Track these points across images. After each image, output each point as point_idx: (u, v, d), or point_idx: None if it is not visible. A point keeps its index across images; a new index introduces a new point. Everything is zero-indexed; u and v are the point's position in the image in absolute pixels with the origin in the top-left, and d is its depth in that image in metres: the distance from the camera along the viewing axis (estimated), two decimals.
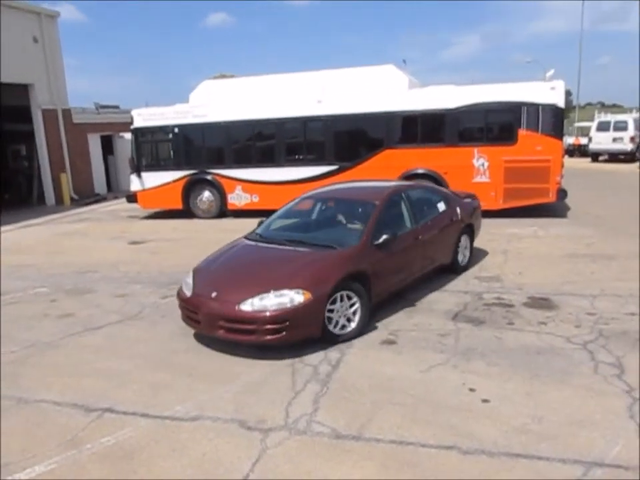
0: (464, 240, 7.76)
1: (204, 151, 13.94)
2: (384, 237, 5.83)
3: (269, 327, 4.89)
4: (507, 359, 4.83)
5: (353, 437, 3.75)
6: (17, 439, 3.97)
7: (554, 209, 12.24)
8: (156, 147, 14.57)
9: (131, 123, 14.29)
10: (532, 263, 8.09)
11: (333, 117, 12.46)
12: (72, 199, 18.98)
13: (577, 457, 3.39)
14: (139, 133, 14.21)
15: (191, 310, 5.41)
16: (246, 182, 13.46)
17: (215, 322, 5.10)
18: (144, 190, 14.35)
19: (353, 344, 5.35)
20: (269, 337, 4.92)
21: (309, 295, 5.00)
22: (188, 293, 5.53)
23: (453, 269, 7.52)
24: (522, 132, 11.21)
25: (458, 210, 7.61)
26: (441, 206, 7.40)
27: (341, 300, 5.34)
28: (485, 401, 4.14)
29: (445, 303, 6.43)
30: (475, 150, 11.57)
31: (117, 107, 23.38)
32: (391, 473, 3.34)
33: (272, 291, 5.01)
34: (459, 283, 7.20)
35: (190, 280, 5.70)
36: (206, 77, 13.42)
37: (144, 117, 14.09)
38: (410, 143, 12.04)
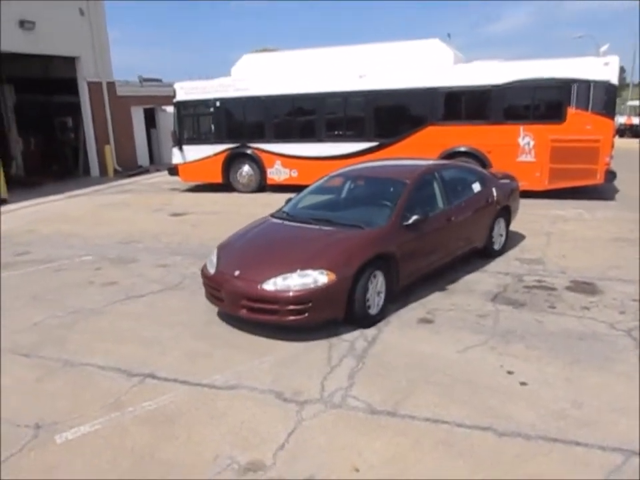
0: (500, 223, 7.42)
1: (245, 125, 13.97)
2: (414, 217, 5.63)
3: (291, 307, 4.81)
4: (547, 343, 4.75)
5: (388, 412, 3.77)
6: (64, 399, 4.15)
7: (601, 191, 11.83)
8: (197, 121, 14.66)
9: (174, 96, 14.41)
10: (576, 246, 7.88)
11: (375, 92, 12.27)
12: (115, 171, 19.38)
13: (616, 445, 3.33)
14: (181, 106, 14.33)
15: (214, 287, 5.36)
16: (285, 157, 13.46)
17: (237, 301, 5.06)
18: (185, 163, 14.53)
19: (390, 321, 5.35)
20: (291, 318, 4.85)
21: (333, 276, 4.88)
22: (212, 270, 5.47)
23: (486, 253, 7.22)
24: (571, 110, 10.80)
25: (494, 191, 7.25)
26: (476, 186, 7.07)
27: (367, 281, 5.14)
28: (523, 383, 4.09)
29: (485, 283, 6.34)
30: (521, 128, 11.23)
31: (159, 80, 23.57)
32: (425, 451, 3.35)
33: (296, 271, 4.92)
34: (499, 265, 7.07)
35: (214, 257, 5.65)
36: (248, 50, 13.47)
37: (186, 91, 14.18)
38: (453, 120, 11.76)
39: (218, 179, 14.26)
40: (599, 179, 10.95)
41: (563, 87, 10.78)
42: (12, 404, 4.11)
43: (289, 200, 6.84)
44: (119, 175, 19.10)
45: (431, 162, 7.39)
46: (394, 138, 12.25)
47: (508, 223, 7.72)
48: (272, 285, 4.89)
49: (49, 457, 3.45)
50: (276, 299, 4.84)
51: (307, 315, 4.84)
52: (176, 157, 14.65)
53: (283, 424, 3.67)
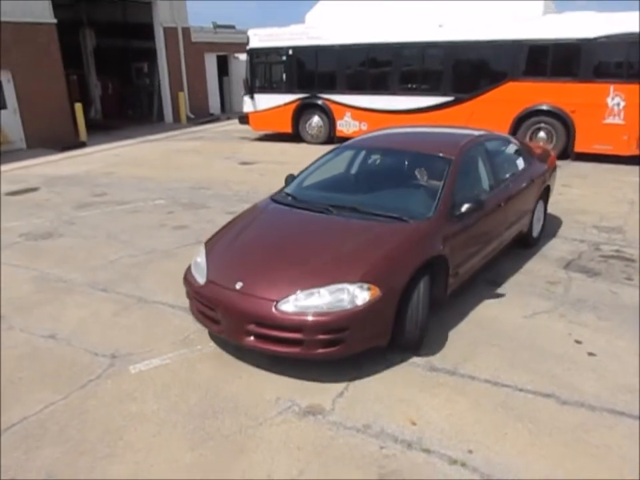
0: (540, 206, 6.26)
1: (316, 75, 13.78)
2: (466, 205, 4.38)
3: (321, 337, 3.53)
4: (620, 315, 4.55)
5: (447, 371, 3.77)
6: (138, 333, 4.40)
7: None
8: (270, 69, 14.59)
9: (247, 43, 14.36)
10: None
11: (454, 43, 11.71)
12: (188, 118, 19.74)
13: None
14: (254, 53, 14.27)
15: (206, 305, 3.94)
16: (356, 109, 13.23)
17: (241, 325, 3.69)
18: (256, 112, 14.58)
19: None
20: (320, 351, 3.57)
21: (376, 291, 3.60)
22: (200, 278, 4.05)
23: (525, 242, 6.07)
24: None
25: (538, 167, 6.21)
26: (520, 162, 5.97)
27: (420, 293, 3.85)
28: (591, 354, 3.97)
29: (558, 249, 6.11)
30: (611, 87, 10.43)
31: (233, 27, 23.52)
32: (484, 411, 3.34)
33: (325, 284, 3.62)
34: (573, 231, 6.77)
35: (201, 259, 4.23)
36: None
37: (260, 38, 14.08)
38: (537, 76, 11.05)
39: (288, 128, 14.26)
40: None
41: None
42: (91, 334, 4.41)
43: (291, 177, 5.39)
44: (191, 121, 19.46)
45: (470, 131, 5.94)
46: (471, 93, 11.73)
47: (546, 206, 6.65)
48: (292, 305, 3.58)
49: (124, 385, 3.70)
50: (299, 325, 3.52)
51: (341, 345, 3.58)
52: (247, 105, 14.72)
53: (342, 374, 3.74)
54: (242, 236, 4.47)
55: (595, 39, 10.34)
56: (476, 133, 5.74)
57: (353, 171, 5.65)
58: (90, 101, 20.29)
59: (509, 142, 6.25)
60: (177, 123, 19.45)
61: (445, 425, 3.22)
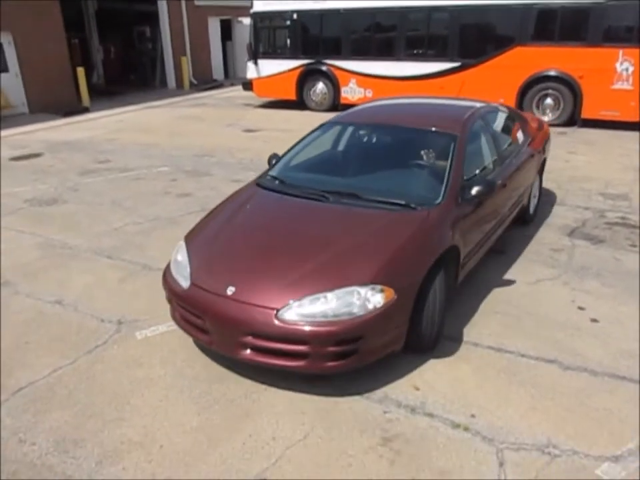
0: (536, 181, 5.92)
1: (321, 40, 13.53)
2: (476, 188, 3.94)
3: (331, 349, 3.09)
4: (624, 282, 4.56)
5: (450, 337, 3.79)
6: (144, 300, 4.43)
7: None
8: (274, 34, 14.33)
9: (251, 6, 14.07)
10: None
11: (461, 7, 11.44)
12: (191, 84, 19.50)
13: None
14: (258, 17, 13.99)
15: (192, 312, 3.41)
16: (361, 75, 13.03)
17: (235, 337, 3.20)
18: (260, 78, 14.36)
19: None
20: (330, 364, 3.14)
21: (391, 293, 3.15)
22: (182, 281, 3.51)
23: (523, 219, 5.73)
24: None
25: (536, 140, 5.85)
26: (520, 136, 5.58)
27: (436, 289, 3.47)
28: (594, 320, 3.98)
29: (562, 217, 6.08)
30: (620, 52, 10.23)
31: None
32: (486, 377, 3.37)
33: (332, 288, 3.15)
34: (578, 198, 6.72)
35: (183, 257, 3.67)
36: None
37: (264, 1, 13.78)
38: (545, 41, 10.83)
39: (292, 95, 14.07)
40: None
41: None
42: (97, 300, 4.44)
43: (275, 157, 4.88)
44: (194, 87, 19.23)
45: (469, 103, 5.44)
46: (478, 58, 11.53)
47: (541, 180, 6.33)
48: (295, 313, 3.10)
49: (130, 350, 3.75)
50: (305, 337, 3.07)
51: (353, 357, 3.16)
52: (250, 71, 14.50)
53: None
54: (228, 230, 3.93)
55: (605, 2, 10.08)
56: (476, 104, 5.22)
57: (345, 149, 5.11)
58: (92, 66, 20.03)
59: (507, 113, 5.75)
60: (179, 88, 19.23)
61: (448, 390, 3.26)
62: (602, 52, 10.37)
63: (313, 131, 5.08)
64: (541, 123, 6.62)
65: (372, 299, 3.12)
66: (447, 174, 4.04)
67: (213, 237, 3.84)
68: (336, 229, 3.74)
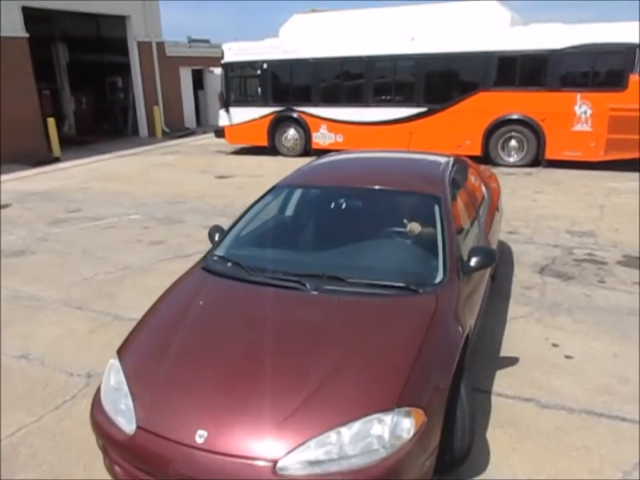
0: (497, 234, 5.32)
1: (291, 88, 13.84)
2: (475, 259, 3.27)
3: None
4: (595, 318, 4.62)
5: None
6: (113, 352, 4.29)
7: None
8: (245, 83, 14.63)
9: (221, 57, 14.37)
10: (631, 220, 7.54)
11: (426, 55, 11.89)
12: (163, 132, 19.63)
13: None
14: (229, 67, 14.27)
15: (140, 468, 2.41)
16: (331, 121, 13.31)
17: None
18: (232, 125, 14.55)
19: None
20: None
21: (421, 416, 2.35)
22: (123, 423, 2.48)
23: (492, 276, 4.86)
24: (633, 77, 10.18)
25: (492, 192, 5.33)
26: (484, 189, 5.11)
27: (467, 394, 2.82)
28: (568, 357, 4.01)
29: (532, 255, 6.19)
30: (578, 96, 10.71)
31: (207, 41, 23.55)
32: None
33: (347, 421, 2.28)
34: (547, 236, 6.87)
35: (119, 383, 2.66)
36: (296, 11, 13.20)
37: (234, 52, 14.10)
38: (507, 86, 11.30)
39: (263, 141, 14.26)
40: None
41: (627, 52, 10.16)
42: (66, 353, 4.31)
43: (218, 231, 3.86)
44: (166, 135, 19.34)
45: (435, 157, 4.83)
46: (444, 104, 11.92)
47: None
48: (299, 464, 2.21)
49: None
50: None
51: None
52: (222, 119, 14.69)
53: None
54: (180, 338, 2.83)
55: (562, 49, 10.61)
56: (441, 159, 4.60)
57: (304, 217, 4.25)
58: (63, 116, 20.09)
59: (468, 166, 5.16)
60: (152, 137, 19.32)
61: None
62: (561, 96, 10.84)
63: (263, 196, 4.18)
64: (490, 173, 6.22)
65: (400, 427, 2.29)
66: (440, 244, 3.33)
67: (159, 351, 2.76)
68: (326, 328, 2.87)
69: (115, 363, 2.78)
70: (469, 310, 3.22)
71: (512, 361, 3.96)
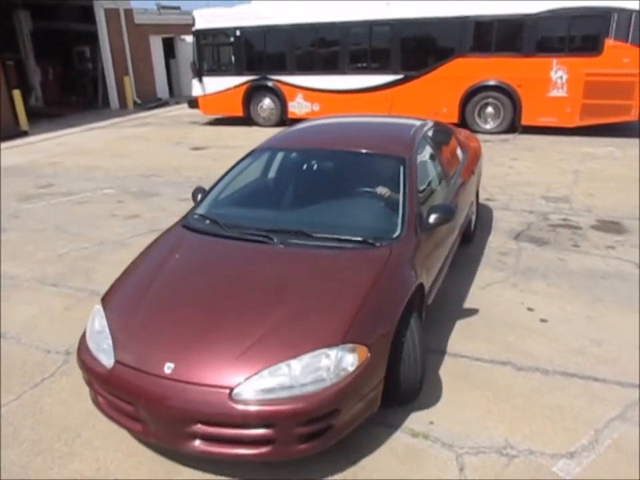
0: (474, 197, 5.62)
1: (266, 56, 13.57)
2: (434, 216, 3.52)
3: (301, 430, 2.54)
4: (570, 281, 4.71)
5: None
6: None
7: (635, 129, 11.39)
8: (218, 51, 14.29)
9: (193, 24, 13.98)
10: (605, 185, 7.66)
11: (401, 21, 11.72)
12: (135, 103, 19.19)
13: (635, 381, 3.34)
14: (201, 35, 13.91)
15: (118, 397, 2.75)
16: (307, 90, 13.12)
17: (179, 426, 2.58)
18: (205, 95, 14.26)
19: None
20: (300, 447, 2.59)
21: (364, 352, 2.67)
22: (104, 359, 2.82)
23: (466, 239, 5.37)
24: (609, 42, 10.20)
25: (472, 156, 5.56)
26: (460, 153, 5.29)
27: (412, 333, 3.06)
28: (543, 320, 4.09)
29: (508, 221, 6.25)
30: (554, 61, 10.71)
31: (178, 8, 22.89)
32: (442, 381, 3.41)
33: (297, 354, 2.60)
34: (522, 203, 6.94)
35: (101, 326, 2.98)
36: None
37: (206, 18, 13.71)
38: (483, 52, 11.24)
39: (239, 112, 14.03)
40: (633, 116, 10.49)
41: (602, 16, 10.14)
42: (43, 331, 4.26)
43: (200, 192, 4.22)
44: (138, 107, 18.92)
45: (410, 121, 5.03)
46: (420, 70, 11.83)
47: (478, 197, 6.05)
48: (253, 391, 2.52)
49: (80, 381, 3.57)
50: (269, 419, 2.51)
51: (328, 434, 2.63)
52: (196, 89, 14.38)
53: None
54: (156, 288, 3.17)
55: (537, 14, 10.56)
56: (416, 122, 4.81)
57: (281, 178, 4.55)
58: (30, 88, 19.43)
59: (447, 130, 5.46)
60: (123, 108, 18.88)
61: None
62: (537, 61, 10.82)
63: (242, 159, 4.49)
64: (473, 138, 6.37)
65: (345, 359, 2.60)
66: (401, 202, 3.59)
67: (137, 299, 3.11)
68: (288, 277, 3.15)
69: (99, 309, 3.13)
70: (428, 265, 3.54)
71: (473, 312, 4.17)
